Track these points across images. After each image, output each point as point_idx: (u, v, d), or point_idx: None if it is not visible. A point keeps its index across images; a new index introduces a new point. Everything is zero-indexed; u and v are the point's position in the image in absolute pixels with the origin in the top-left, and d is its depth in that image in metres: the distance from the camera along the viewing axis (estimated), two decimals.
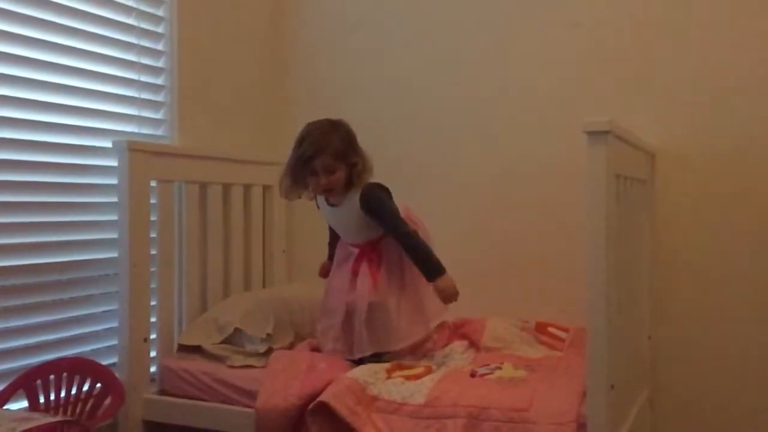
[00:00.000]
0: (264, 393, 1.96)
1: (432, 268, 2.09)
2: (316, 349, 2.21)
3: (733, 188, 2.33)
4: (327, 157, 2.07)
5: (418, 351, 2.28)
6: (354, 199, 2.13)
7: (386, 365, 2.07)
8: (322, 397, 1.85)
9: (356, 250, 2.21)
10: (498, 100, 2.63)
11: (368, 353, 2.13)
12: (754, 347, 2.30)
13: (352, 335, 2.15)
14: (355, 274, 2.18)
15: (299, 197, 2.23)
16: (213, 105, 2.63)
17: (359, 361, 2.13)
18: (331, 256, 2.35)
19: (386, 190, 2.18)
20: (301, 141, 2.11)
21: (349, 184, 2.12)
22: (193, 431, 2.14)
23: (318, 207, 2.27)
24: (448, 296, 2.07)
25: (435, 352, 2.27)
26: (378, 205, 2.12)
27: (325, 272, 2.34)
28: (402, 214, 2.16)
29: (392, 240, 2.16)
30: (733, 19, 2.33)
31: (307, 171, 2.10)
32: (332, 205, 2.19)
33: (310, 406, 1.87)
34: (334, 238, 2.33)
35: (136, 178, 2.17)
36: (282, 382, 1.97)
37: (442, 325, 2.46)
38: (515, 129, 2.60)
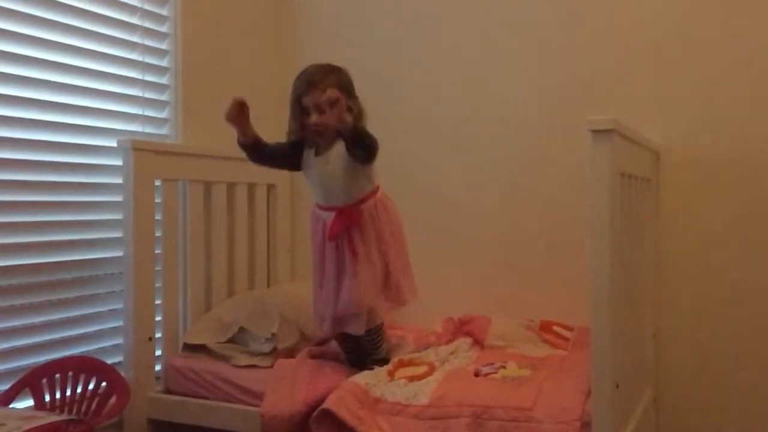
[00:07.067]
0: (269, 399, 1.95)
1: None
2: (315, 357, 2.21)
3: (738, 187, 2.32)
4: (319, 93, 1.97)
5: (422, 344, 2.29)
6: (341, 150, 2.02)
7: (388, 367, 2.07)
8: (325, 405, 1.84)
9: (331, 214, 2.06)
10: (502, 99, 2.63)
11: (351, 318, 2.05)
12: (758, 346, 2.29)
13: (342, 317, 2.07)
14: (332, 238, 2.05)
15: (303, 138, 2.09)
16: (217, 104, 2.61)
17: (361, 365, 2.13)
18: (260, 139, 2.10)
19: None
20: (297, 78, 2.04)
21: (340, 134, 2.00)
22: (198, 430, 2.15)
23: (303, 168, 2.13)
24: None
25: (439, 346, 2.27)
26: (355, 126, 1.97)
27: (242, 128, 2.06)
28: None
29: (369, 207, 2.07)
30: (739, 17, 2.32)
31: (300, 109, 2.02)
32: (319, 155, 2.07)
33: (314, 414, 1.85)
34: (285, 149, 2.12)
35: (140, 177, 2.17)
36: (287, 387, 1.96)
37: (447, 320, 2.47)
38: (521, 127, 2.60)
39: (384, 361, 2.15)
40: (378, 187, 2.12)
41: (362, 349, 2.16)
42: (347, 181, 2.05)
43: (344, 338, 2.17)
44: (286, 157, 2.14)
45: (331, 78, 2.01)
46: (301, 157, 2.12)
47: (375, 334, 2.13)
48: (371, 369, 2.08)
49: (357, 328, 2.06)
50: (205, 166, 2.44)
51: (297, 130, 2.07)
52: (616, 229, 1.69)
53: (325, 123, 2.00)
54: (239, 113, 2.02)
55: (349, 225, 2.04)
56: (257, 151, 2.11)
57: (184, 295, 2.39)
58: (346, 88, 2.04)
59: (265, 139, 2.12)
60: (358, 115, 2.04)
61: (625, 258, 1.80)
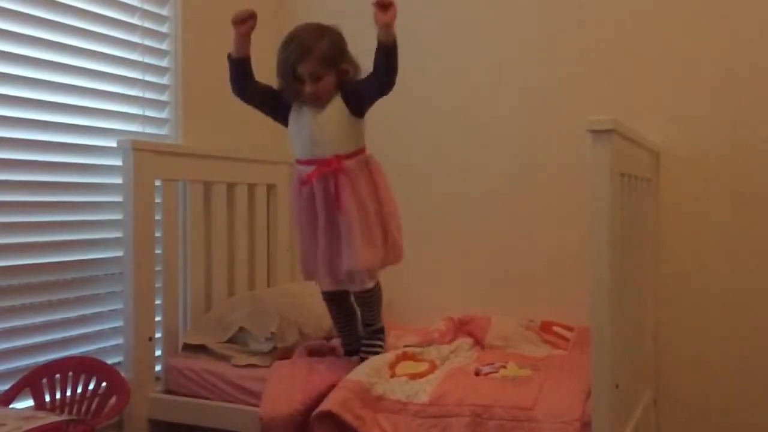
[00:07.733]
0: (267, 401, 1.94)
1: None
2: (312, 353, 2.21)
3: (738, 186, 2.32)
4: (313, 62, 1.91)
5: (424, 339, 2.29)
6: (338, 100, 1.98)
7: (390, 358, 2.07)
8: (327, 405, 1.83)
9: (310, 168, 1.99)
10: (503, 99, 2.63)
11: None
12: (759, 346, 2.29)
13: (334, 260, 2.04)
14: (305, 181, 2.00)
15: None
16: (217, 104, 2.63)
17: (357, 351, 2.14)
18: (250, 66, 2.04)
19: None
20: (287, 43, 1.95)
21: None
22: (198, 430, 2.15)
23: (290, 119, 2.05)
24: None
25: (441, 344, 2.27)
26: (358, 81, 1.99)
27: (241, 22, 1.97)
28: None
29: (360, 161, 2.02)
30: (739, 17, 2.32)
31: (294, 77, 1.94)
32: (311, 105, 2.01)
33: (315, 413, 1.84)
34: (273, 92, 2.05)
35: (140, 178, 2.17)
36: (285, 388, 1.96)
37: (448, 320, 2.47)
38: (520, 128, 2.60)
39: (382, 332, 2.15)
40: (365, 148, 2.07)
41: (358, 327, 2.16)
42: (339, 130, 1.99)
43: (340, 309, 2.17)
44: (271, 99, 2.06)
45: (324, 42, 1.96)
46: (286, 108, 2.06)
47: (374, 294, 2.12)
48: (374, 351, 2.08)
49: (358, 286, 2.05)
50: (205, 166, 2.44)
51: (292, 96, 2.02)
52: (616, 229, 1.69)
53: (320, 90, 1.96)
54: (246, 20, 1.95)
55: (335, 171, 1.97)
56: (244, 76, 2.02)
57: (184, 295, 2.38)
58: (340, 48, 2.00)
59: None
60: (355, 72, 2.01)
61: (625, 258, 1.80)
